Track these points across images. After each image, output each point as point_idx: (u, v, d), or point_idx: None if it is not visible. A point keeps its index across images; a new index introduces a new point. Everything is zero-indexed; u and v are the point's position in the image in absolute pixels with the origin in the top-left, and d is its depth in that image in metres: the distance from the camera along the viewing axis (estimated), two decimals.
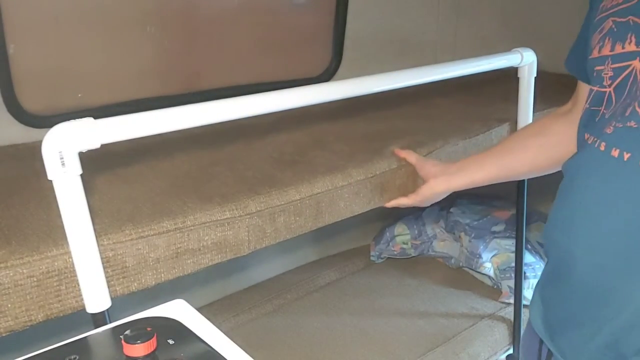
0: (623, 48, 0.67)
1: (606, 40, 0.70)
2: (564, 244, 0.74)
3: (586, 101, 0.75)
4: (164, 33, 1.39)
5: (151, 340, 0.47)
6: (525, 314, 1.63)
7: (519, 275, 1.56)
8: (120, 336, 0.48)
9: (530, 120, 1.33)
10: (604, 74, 0.70)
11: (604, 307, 0.70)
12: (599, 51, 0.71)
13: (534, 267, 1.75)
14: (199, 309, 0.56)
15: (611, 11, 0.70)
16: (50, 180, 0.68)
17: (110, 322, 0.56)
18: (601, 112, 0.71)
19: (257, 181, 0.96)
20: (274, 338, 1.62)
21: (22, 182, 0.96)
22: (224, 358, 0.49)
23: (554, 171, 0.95)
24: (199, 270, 0.87)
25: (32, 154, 1.07)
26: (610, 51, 0.69)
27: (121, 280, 0.78)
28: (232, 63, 1.53)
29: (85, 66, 1.29)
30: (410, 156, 1.09)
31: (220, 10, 1.50)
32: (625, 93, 0.67)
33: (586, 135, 0.73)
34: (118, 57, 1.33)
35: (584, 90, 0.88)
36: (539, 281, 0.88)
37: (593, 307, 0.71)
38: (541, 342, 0.84)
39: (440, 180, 1.05)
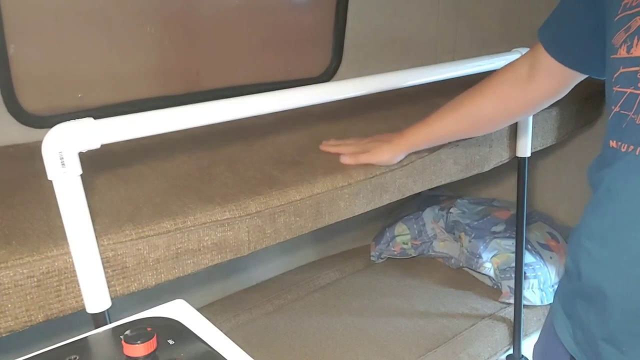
0: None
1: (636, 40, 0.67)
2: (603, 256, 0.71)
3: (616, 104, 0.71)
4: (164, 33, 1.39)
5: (151, 341, 0.47)
6: (525, 314, 1.63)
7: (519, 275, 1.56)
8: (121, 336, 0.48)
9: (530, 121, 1.33)
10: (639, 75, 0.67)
11: None
12: (628, 51, 0.68)
13: (534, 267, 1.74)
14: (199, 309, 0.56)
15: (638, 9, 0.67)
16: (50, 181, 0.68)
17: (111, 322, 0.56)
18: (630, 116, 0.68)
19: (257, 181, 0.96)
20: (274, 338, 1.62)
21: (22, 182, 0.96)
22: (224, 358, 0.49)
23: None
24: (199, 271, 0.87)
25: (32, 154, 1.07)
26: None
27: (121, 280, 0.78)
28: (232, 63, 1.53)
29: (86, 66, 1.29)
30: (353, 158, 1.07)
31: (221, 10, 1.50)
32: None
33: (614, 142, 0.71)
34: (118, 57, 1.33)
35: (550, 66, 0.89)
36: (560, 294, 0.84)
37: (637, 324, 0.68)
38: (572, 358, 0.81)
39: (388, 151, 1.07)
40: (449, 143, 1.20)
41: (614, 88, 0.71)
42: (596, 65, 0.80)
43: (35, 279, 0.71)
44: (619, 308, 0.70)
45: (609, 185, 0.72)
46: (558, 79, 0.92)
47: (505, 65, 1.00)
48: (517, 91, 0.96)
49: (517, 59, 0.98)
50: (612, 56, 0.72)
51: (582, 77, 0.90)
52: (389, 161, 1.07)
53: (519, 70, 0.96)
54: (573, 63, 0.88)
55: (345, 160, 1.05)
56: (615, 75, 0.71)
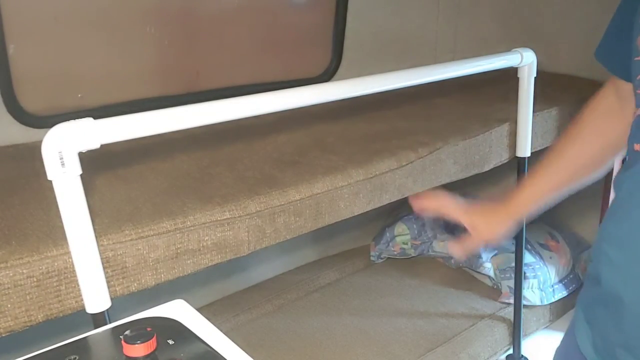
0: None
1: None
2: (622, 262, 0.69)
3: (639, 106, 0.69)
4: (164, 33, 1.39)
5: (151, 341, 0.47)
6: (525, 314, 1.63)
7: (518, 275, 1.56)
8: (120, 336, 0.48)
9: (530, 121, 1.33)
10: None
11: None
12: None
13: (534, 267, 1.74)
14: (199, 309, 0.56)
15: None
16: (50, 181, 0.68)
17: (110, 323, 0.56)
18: None
19: (257, 181, 0.96)
20: (274, 338, 1.62)
21: (22, 182, 0.96)
22: (224, 358, 0.49)
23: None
24: (199, 271, 0.87)
25: (32, 154, 1.07)
26: None
27: (121, 280, 0.78)
28: (232, 63, 1.53)
29: (85, 66, 1.29)
30: (440, 203, 0.99)
31: (220, 10, 1.50)
32: None
33: (638, 146, 0.68)
34: (118, 57, 1.33)
35: (625, 86, 0.83)
36: (582, 300, 0.82)
37: None
38: None
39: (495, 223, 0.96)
40: (448, 142, 1.20)
41: (637, 90, 0.69)
42: None
43: (35, 279, 0.71)
44: (634, 314, 0.68)
45: (630, 188, 0.70)
46: None
47: (591, 102, 0.92)
48: (614, 121, 0.88)
49: (600, 91, 0.91)
50: (636, 58, 0.69)
51: None
52: (500, 234, 0.97)
53: (607, 101, 0.89)
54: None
55: (454, 250, 0.97)
56: (638, 77, 0.69)
